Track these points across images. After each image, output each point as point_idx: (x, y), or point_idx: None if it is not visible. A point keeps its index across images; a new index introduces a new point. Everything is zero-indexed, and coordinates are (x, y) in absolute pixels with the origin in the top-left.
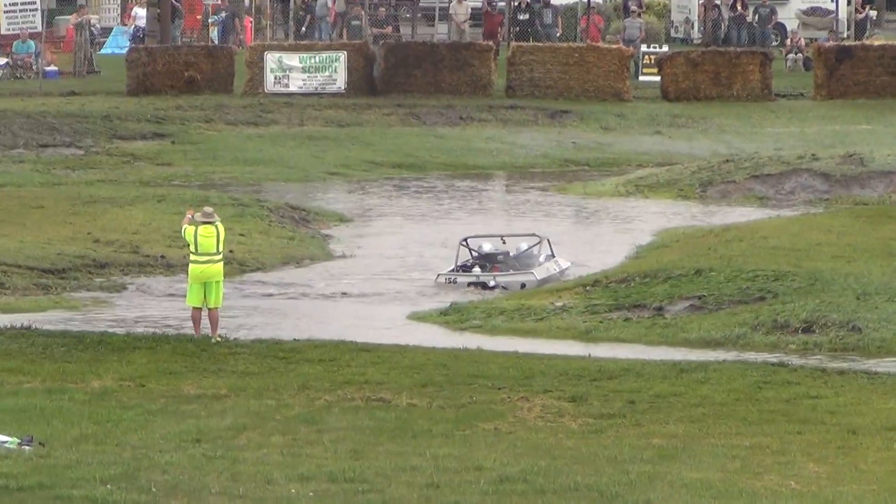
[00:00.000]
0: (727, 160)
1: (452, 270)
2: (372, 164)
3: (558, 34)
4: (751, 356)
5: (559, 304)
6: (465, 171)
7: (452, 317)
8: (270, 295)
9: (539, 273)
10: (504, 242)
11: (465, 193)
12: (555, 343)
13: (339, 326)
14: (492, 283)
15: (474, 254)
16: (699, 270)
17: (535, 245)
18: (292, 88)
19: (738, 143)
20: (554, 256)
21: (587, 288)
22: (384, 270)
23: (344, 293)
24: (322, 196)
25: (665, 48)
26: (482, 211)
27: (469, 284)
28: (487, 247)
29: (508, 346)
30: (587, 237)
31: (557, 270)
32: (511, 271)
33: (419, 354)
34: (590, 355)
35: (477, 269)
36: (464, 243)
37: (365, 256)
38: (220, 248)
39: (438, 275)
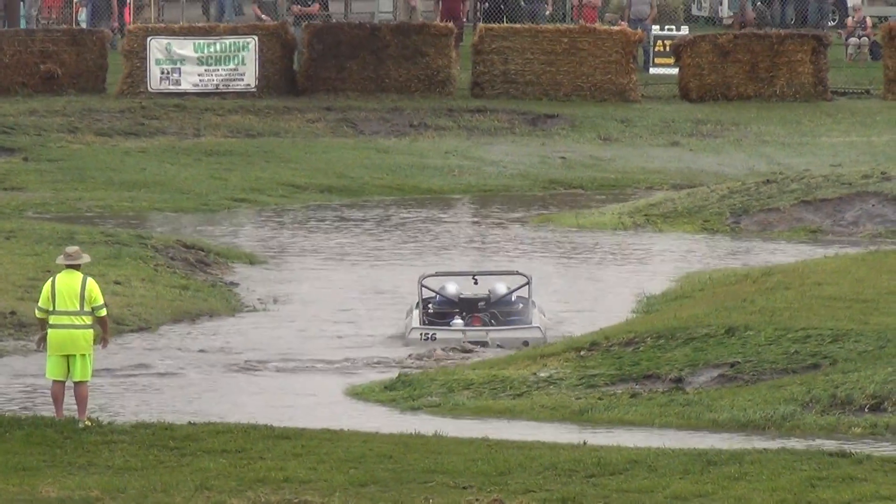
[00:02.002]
0: (768, 180)
1: (429, 322)
2: (292, 188)
3: (547, 12)
4: (801, 443)
5: (544, 373)
6: (416, 197)
7: (401, 391)
8: (149, 366)
9: (542, 326)
10: (476, 282)
11: (417, 226)
12: (539, 427)
13: (249, 405)
14: (487, 340)
15: (437, 298)
16: (731, 329)
17: (520, 287)
18: (185, 86)
19: (783, 158)
20: (534, 304)
21: (581, 352)
22: (309, 328)
23: (255, 361)
24: (226, 230)
25: (684, 30)
26: (440, 250)
27: (465, 342)
28: (452, 288)
29: (476, 431)
30: (581, 284)
31: (545, 320)
32: (506, 324)
33: (357, 443)
34: (585, 443)
35: (458, 321)
36: (424, 285)
37: (283, 310)
38: (87, 304)
39: (412, 328)
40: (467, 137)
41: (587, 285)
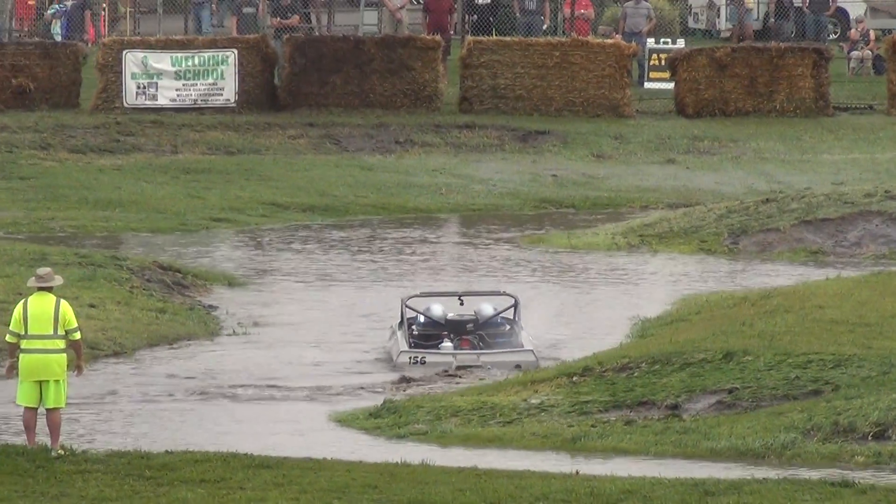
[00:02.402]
0: (767, 199)
1: (415, 345)
2: (273, 207)
3: (545, 26)
4: (802, 472)
5: (535, 400)
6: (402, 216)
7: (387, 419)
8: (125, 393)
9: (534, 349)
10: (462, 303)
11: (403, 247)
12: (529, 456)
13: (229, 433)
14: (480, 364)
15: (421, 320)
16: (729, 354)
17: (508, 308)
18: (162, 101)
19: (783, 176)
20: (521, 327)
21: (574, 378)
22: (290, 353)
23: (234, 387)
24: (204, 251)
25: (681, 44)
26: (427, 271)
27: (456, 367)
28: (438, 310)
29: (465, 461)
30: (574, 307)
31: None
32: (494, 347)
33: (341, 472)
34: (578, 472)
35: (447, 343)
36: (409, 305)
37: (264, 334)
38: (61, 328)
39: (401, 352)
40: (455, 154)
41: (580, 308)
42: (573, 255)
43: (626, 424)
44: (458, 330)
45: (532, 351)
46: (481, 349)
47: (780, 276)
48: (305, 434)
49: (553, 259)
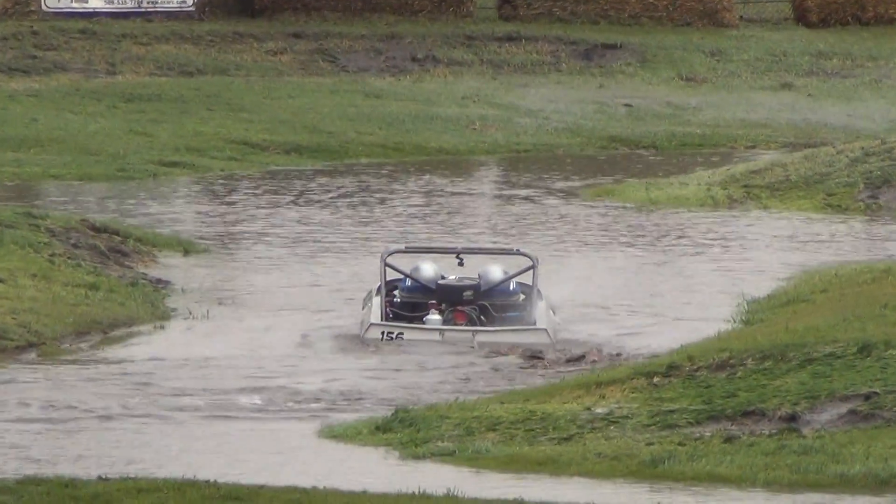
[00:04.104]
0: None
1: (394, 316)
2: (245, 147)
3: None
4: None
5: (601, 409)
6: (420, 160)
7: (399, 433)
8: (43, 398)
9: (550, 326)
10: (462, 263)
11: (423, 199)
12: (594, 485)
13: (184, 454)
14: (474, 345)
15: (407, 283)
16: (866, 346)
17: (523, 271)
18: (94, 4)
19: None
20: (541, 296)
21: (655, 379)
22: (264, 342)
23: (191, 389)
24: (151, 208)
25: None
26: (451, 232)
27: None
28: (429, 270)
29: (505, 490)
30: (655, 283)
31: (556, 318)
32: (501, 323)
33: None
34: None
35: (434, 316)
36: (389, 264)
37: (229, 317)
38: None
39: (370, 324)
40: (493, 77)
41: (663, 285)
42: (653, 213)
43: (725, 442)
44: (451, 298)
45: (546, 330)
46: (483, 325)
47: None
48: (287, 454)
49: (626, 217)
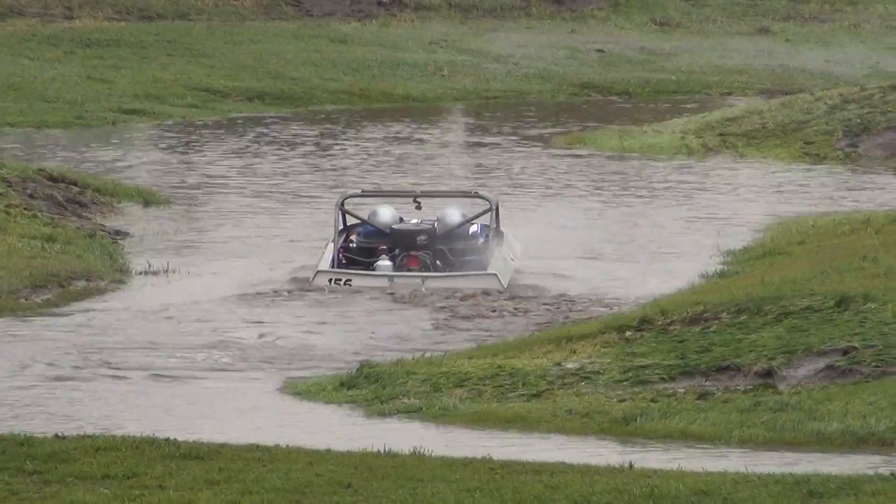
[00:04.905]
0: None
1: (346, 263)
2: (206, 94)
3: None
4: None
5: (572, 364)
6: (386, 106)
7: (364, 390)
8: None
9: (502, 271)
10: (419, 207)
11: (388, 148)
12: (565, 442)
13: (143, 412)
14: (423, 290)
15: (363, 228)
16: (844, 300)
17: (480, 214)
18: None
19: None
20: (501, 233)
21: (627, 334)
22: (226, 297)
23: (151, 344)
24: (110, 156)
25: None
26: (420, 183)
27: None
28: (386, 214)
29: (474, 449)
30: (628, 234)
31: (512, 263)
32: (454, 269)
33: (300, 465)
34: (632, 466)
35: (384, 262)
36: (343, 208)
37: (191, 270)
38: None
39: (318, 271)
40: (462, 21)
41: (636, 235)
42: (626, 161)
43: (699, 399)
44: (405, 243)
45: (495, 275)
46: (439, 270)
47: None
48: (249, 412)
49: (598, 166)
